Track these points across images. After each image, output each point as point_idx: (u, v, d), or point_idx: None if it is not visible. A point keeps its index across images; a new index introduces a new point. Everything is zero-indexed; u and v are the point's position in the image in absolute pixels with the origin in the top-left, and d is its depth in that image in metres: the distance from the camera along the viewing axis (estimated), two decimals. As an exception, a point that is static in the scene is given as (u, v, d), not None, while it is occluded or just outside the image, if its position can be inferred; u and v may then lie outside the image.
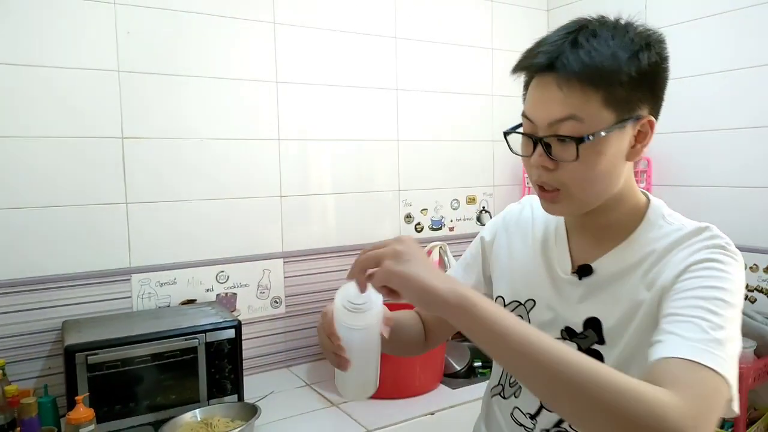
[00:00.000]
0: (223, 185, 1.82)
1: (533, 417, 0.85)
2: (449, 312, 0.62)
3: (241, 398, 1.56)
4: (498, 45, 2.36)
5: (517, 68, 0.77)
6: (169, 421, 1.40)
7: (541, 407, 0.84)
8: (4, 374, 1.41)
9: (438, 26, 2.21)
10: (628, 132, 0.74)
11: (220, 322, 1.54)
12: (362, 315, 0.70)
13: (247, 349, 1.80)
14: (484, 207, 2.39)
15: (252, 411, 1.45)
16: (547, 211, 0.81)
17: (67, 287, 1.60)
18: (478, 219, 2.38)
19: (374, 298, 0.70)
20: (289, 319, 1.96)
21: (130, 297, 1.68)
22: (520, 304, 0.88)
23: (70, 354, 1.35)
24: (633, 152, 0.76)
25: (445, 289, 0.62)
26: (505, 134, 0.80)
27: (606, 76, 0.70)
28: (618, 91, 0.71)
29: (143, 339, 1.43)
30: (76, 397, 1.30)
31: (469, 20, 2.29)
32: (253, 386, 1.71)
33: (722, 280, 0.69)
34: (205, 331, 1.50)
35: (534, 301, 0.87)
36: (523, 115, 0.78)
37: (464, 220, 2.34)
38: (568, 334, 0.82)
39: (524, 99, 0.79)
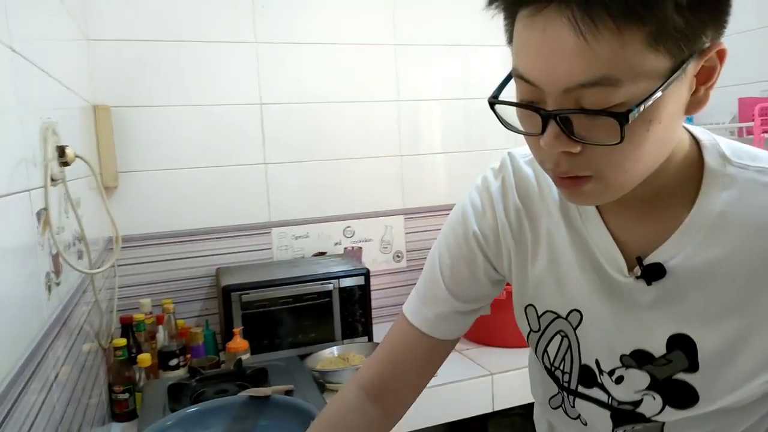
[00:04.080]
0: (347, 146, 1.93)
1: None
2: None
3: (371, 339, 1.69)
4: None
5: None
6: (311, 355, 1.56)
7: None
8: (173, 311, 1.63)
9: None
10: (689, 75, 0.48)
11: (351, 270, 1.67)
12: None
13: (375, 299, 1.92)
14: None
15: (383, 350, 1.56)
16: (569, 201, 0.58)
17: (219, 239, 1.81)
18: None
19: None
20: (410, 272, 2.07)
21: (270, 248, 1.87)
22: (559, 317, 0.65)
23: (226, 293, 1.54)
24: (695, 102, 0.50)
25: None
26: (492, 104, 0.52)
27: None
28: (672, 19, 0.44)
29: (286, 282, 1.60)
30: (234, 329, 1.49)
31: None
32: (379, 333, 1.83)
33: None
34: (338, 277, 1.64)
35: (580, 312, 0.63)
36: (517, 72, 0.50)
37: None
38: (636, 359, 0.59)
39: (511, 44, 0.51)
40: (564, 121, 0.47)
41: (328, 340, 1.65)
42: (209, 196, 1.79)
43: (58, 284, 0.91)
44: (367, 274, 1.67)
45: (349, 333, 1.67)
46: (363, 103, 1.94)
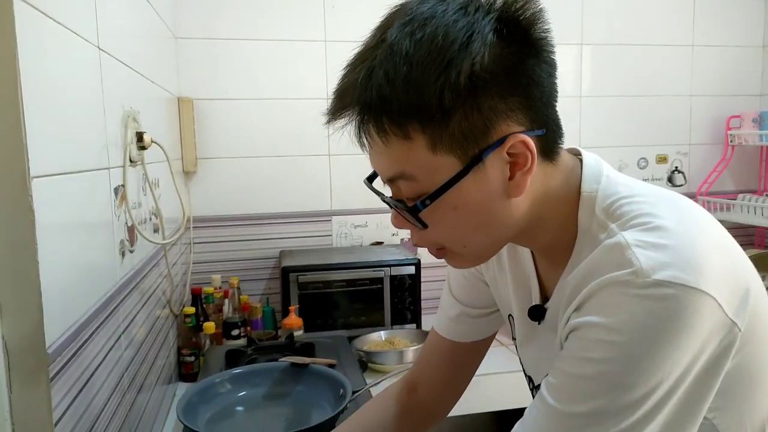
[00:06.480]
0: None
1: None
2: None
3: (419, 327, 1.75)
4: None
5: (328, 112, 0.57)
6: (359, 337, 1.65)
7: None
8: (239, 288, 1.78)
9: (630, -24, 2.11)
10: (494, 165, 0.52)
11: (403, 259, 1.75)
12: None
13: (426, 290, 1.98)
14: (677, 167, 2.25)
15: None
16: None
17: (284, 223, 1.94)
18: (669, 180, 2.25)
19: None
20: (465, 267, 2.10)
21: (330, 235, 1.98)
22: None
23: (285, 273, 1.67)
24: (514, 186, 0.53)
25: None
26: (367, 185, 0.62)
27: (419, 110, 0.49)
28: (448, 125, 0.50)
29: (341, 267, 1.70)
30: (290, 307, 1.62)
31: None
32: (429, 322, 1.89)
33: (609, 355, 0.48)
34: (390, 265, 1.72)
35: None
36: None
37: (652, 180, 2.23)
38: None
39: None
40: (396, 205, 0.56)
41: (378, 324, 1.73)
42: (277, 184, 1.93)
43: (131, 252, 1.06)
44: (417, 264, 1.74)
45: (398, 319, 1.75)
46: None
